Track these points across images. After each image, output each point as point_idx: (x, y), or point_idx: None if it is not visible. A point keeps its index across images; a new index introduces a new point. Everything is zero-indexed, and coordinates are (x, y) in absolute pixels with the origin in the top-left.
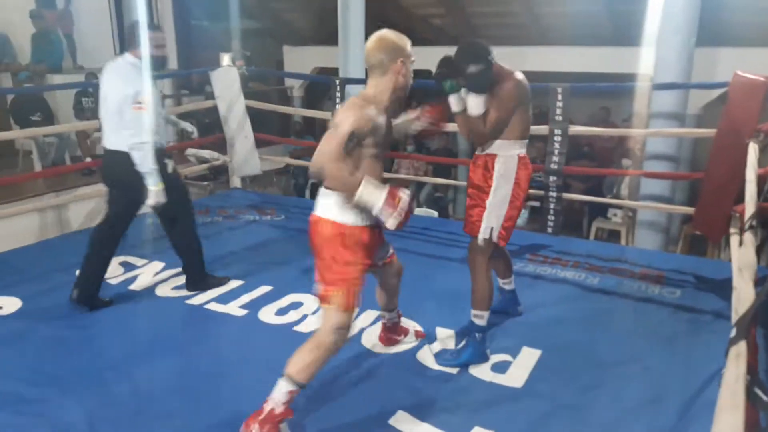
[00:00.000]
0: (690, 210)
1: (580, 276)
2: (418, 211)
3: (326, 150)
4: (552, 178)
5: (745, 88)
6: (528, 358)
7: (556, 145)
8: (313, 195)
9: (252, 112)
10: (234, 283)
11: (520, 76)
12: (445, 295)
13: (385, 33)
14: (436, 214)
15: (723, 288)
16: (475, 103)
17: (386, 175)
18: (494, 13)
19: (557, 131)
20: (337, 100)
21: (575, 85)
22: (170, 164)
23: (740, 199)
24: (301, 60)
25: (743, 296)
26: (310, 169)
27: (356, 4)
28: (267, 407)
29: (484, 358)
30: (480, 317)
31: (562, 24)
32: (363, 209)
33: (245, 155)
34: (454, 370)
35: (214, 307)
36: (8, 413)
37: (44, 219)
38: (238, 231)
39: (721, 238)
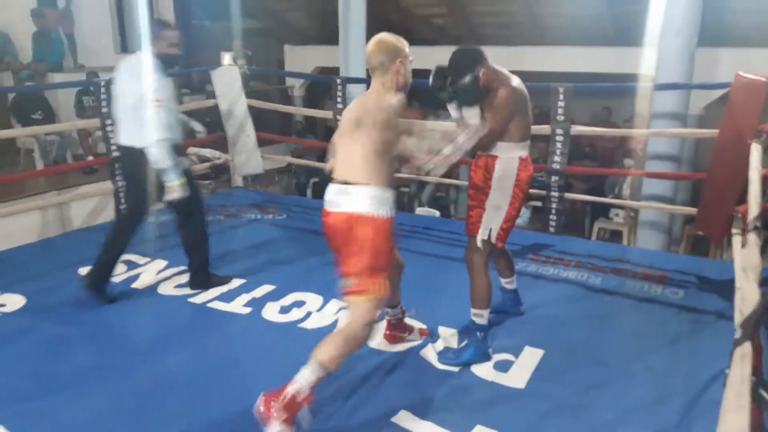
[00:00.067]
0: (692, 210)
1: (582, 276)
2: (420, 211)
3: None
4: (554, 178)
5: (747, 88)
6: (530, 357)
7: (558, 145)
8: (315, 194)
9: (253, 111)
10: (236, 282)
11: (515, 82)
12: (447, 294)
13: (384, 36)
14: (438, 213)
15: (725, 288)
16: (468, 115)
17: None
18: (495, 13)
19: (559, 131)
20: (338, 100)
21: (577, 85)
22: (184, 162)
23: (742, 199)
24: (302, 59)
25: (748, 297)
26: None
27: (357, 4)
28: (290, 390)
29: (487, 357)
30: (480, 316)
31: (563, 24)
32: (390, 201)
33: (247, 154)
34: (456, 369)
35: (217, 305)
36: (12, 411)
37: (46, 217)
38: (240, 230)
39: (723, 238)
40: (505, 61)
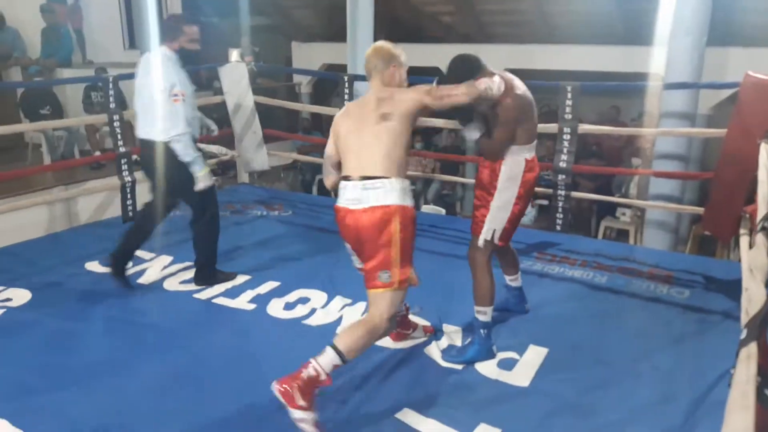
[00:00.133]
0: (699, 210)
1: (587, 275)
2: (426, 209)
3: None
4: (561, 177)
5: (756, 88)
6: (535, 356)
7: (565, 144)
8: (321, 191)
9: (260, 108)
10: (241, 278)
11: (518, 89)
12: (452, 291)
13: (382, 43)
14: (443, 211)
15: (732, 289)
16: (468, 132)
17: None
18: (504, 11)
19: (566, 129)
20: (345, 97)
21: (585, 84)
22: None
23: (750, 199)
24: (310, 56)
25: (754, 297)
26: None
27: (365, 1)
28: (308, 372)
29: (491, 355)
30: (483, 313)
31: (572, 22)
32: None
33: (253, 151)
34: (460, 367)
35: (222, 301)
36: (17, 405)
37: (53, 212)
38: (246, 226)
39: (730, 238)
40: (514, 59)
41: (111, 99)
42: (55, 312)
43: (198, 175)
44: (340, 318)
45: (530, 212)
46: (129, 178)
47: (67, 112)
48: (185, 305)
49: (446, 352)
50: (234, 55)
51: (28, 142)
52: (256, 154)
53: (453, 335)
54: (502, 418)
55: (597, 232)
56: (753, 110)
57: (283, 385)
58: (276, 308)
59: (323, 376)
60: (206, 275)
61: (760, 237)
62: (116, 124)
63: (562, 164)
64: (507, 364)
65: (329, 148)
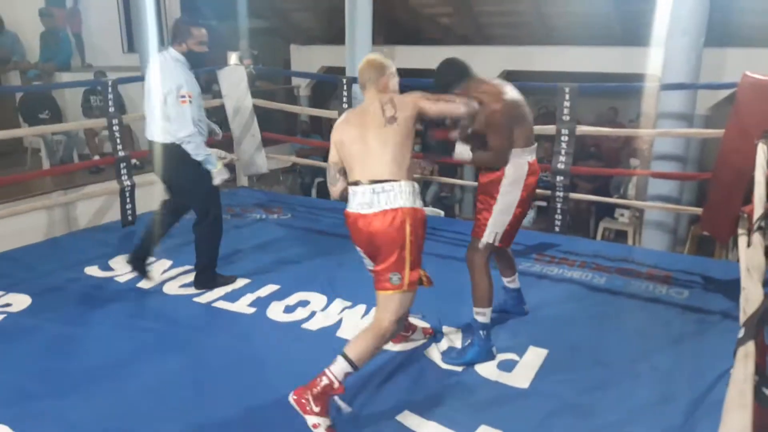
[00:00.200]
0: (697, 210)
1: (586, 276)
2: (425, 211)
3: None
4: (559, 178)
5: (754, 88)
6: (534, 357)
7: (563, 145)
8: (320, 194)
9: (259, 111)
10: (241, 282)
11: (507, 94)
12: (451, 293)
13: (373, 55)
14: (442, 213)
15: (731, 289)
16: (458, 154)
17: None
18: (502, 13)
19: (564, 131)
20: (344, 100)
21: (583, 85)
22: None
23: (748, 200)
24: (309, 59)
25: (751, 297)
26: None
27: (363, 4)
28: (323, 381)
29: (490, 356)
30: (482, 314)
31: (570, 24)
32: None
33: (252, 154)
34: (460, 369)
35: (222, 305)
36: (18, 410)
37: (52, 217)
38: (245, 229)
39: (729, 238)
40: (512, 60)
41: (110, 103)
42: (55, 317)
43: (214, 171)
44: (340, 321)
45: (529, 214)
46: (128, 183)
47: (66, 117)
48: (185, 309)
49: (446, 354)
50: (233, 58)
51: (27, 146)
52: (255, 157)
53: (453, 337)
54: (503, 420)
55: (596, 233)
56: (751, 110)
57: (298, 395)
58: (276, 311)
59: (336, 385)
60: (206, 278)
61: (756, 236)
62: (115, 128)
63: (561, 166)
64: (507, 366)
65: (333, 156)
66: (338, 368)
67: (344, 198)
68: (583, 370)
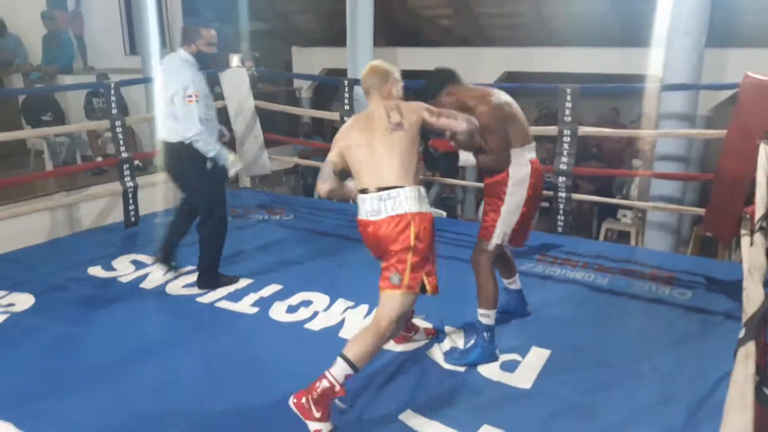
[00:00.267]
0: (700, 211)
1: (589, 277)
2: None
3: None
4: (561, 179)
5: (756, 88)
6: (537, 357)
7: (565, 146)
8: None
9: (261, 113)
10: (243, 282)
11: (492, 95)
12: (454, 294)
13: (376, 62)
14: (444, 214)
15: (734, 289)
16: (463, 161)
17: None
18: (502, 14)
19: (566, 132)
20: (345, 101)
21: (584, 86)
22: (210, 162)
23: (750, 200)
24: (310, 61)
25: (752, 297)
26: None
27: (364, 6)
28: (322, 384)
29: (493, 357)
30: (487, 316)
31: (570, 25)
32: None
33: (255, 155)
34: (462, 369)
35: (224, 305)
36: (21, 410)
37: (55, 218)
38: (248, 230)
39: (731, 239)
40: (513, 62)
41: (113, 105)
42: (58, 317)
43: (227, 163)
44: (343, 320)
45: None
46: (131, 184)
47: (69, 119)
48: (188, 309)
49: (449, 355)
50: (234, 60)
51: (30, 148)
52: (258, 159)
53: (455, 337)
54: (505, 420)
55: (598, 234)
56: (752, 111)
57: (299, 399)
58: (278, 311)
59: (337, 387)
60: (209, 278)
61: (758, 237)
62: (118, 129)
63: (563, 166)
64: (509, 366)
65: (333, 155)
66: (338, 370)
67: (329, 198)
68: (586, 370)
